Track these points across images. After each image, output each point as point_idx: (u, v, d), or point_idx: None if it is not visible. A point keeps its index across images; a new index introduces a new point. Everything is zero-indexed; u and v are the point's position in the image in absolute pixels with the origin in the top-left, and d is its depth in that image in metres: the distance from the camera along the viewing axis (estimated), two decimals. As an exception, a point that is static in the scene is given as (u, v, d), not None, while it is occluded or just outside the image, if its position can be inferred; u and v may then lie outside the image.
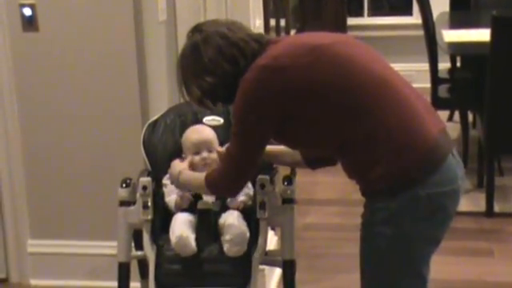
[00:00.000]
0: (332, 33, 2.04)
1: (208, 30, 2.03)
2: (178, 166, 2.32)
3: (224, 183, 2.08)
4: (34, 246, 3.22)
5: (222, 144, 2.47)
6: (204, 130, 2.47)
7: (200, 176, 2.15)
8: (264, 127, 1.95)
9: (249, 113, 1.93)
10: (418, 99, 1.95)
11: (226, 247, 2.22)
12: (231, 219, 2.27)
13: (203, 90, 2.04)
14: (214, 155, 2.38)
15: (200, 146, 2.40)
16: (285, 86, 1.88)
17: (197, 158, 2.40)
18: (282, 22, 5.40)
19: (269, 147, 2.17)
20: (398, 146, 1.87)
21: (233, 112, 2.02)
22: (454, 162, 1.94)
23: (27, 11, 2.97)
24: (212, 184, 2.09)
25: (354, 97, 1.88)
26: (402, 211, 1.88)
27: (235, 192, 2.16)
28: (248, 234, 2.26)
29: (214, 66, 1.99)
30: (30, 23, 2.98)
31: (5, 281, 3.26)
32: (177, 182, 2.28)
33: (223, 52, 1.99)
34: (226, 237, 2.23)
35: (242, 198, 2.34)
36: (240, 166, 2.03)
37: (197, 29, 2.07)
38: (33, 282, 3.24)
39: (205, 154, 2.39)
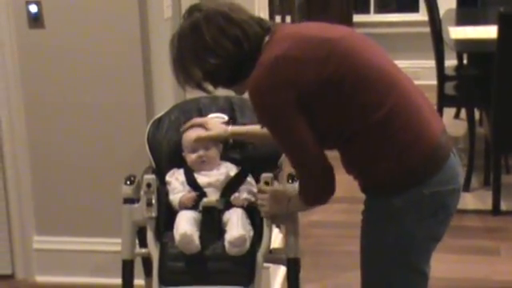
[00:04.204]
0: (333, 25, 1.98)
1: (208, 8, 1.94)
2: (285, 195, 2.21)
3: (310, 184, 1.95)
4: (40, 242, 3.23)
5: (225, 141, 2.46)
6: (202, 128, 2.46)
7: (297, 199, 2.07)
8: (293, 108, 1.84)
9: (272, 97, 1.84)
10: (422, 98, 1.94)
11: (226, 247, 2.22)
12: (233, 219, 2.26)
13: (205, 72, 1.94)
14: (211, 153, 2.38)
15: (197, 144, 2.40)
16: (298, 76, 1.83)
17: (193, 156, 2.40)
18: (288, 18, 5.39)
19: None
20: (404, 143, 1.86)
21: (260, 119, 1.93)
22: (455, 160, 1.93)
23: (33, 8, 2.97)
24: (305, 196, 2.00)
25: (365, 93, 1.85)
26: (406, 209, 1.87)
27: (329, 182, 1.93)
28: (250, 234, 2.25)
29: (217, 46, 1.90)
30: (35, 20, 2.99)
31: (11, 277, 3.27)
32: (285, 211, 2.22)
33: (226, 32, 1.90)
34: (227, 238, 2.22)
35: (246, 195, 2.34)
36: (307, 158, 1.89)
37: (195, 8, 1.97)
38: (38, 278, 3.24)
39: (201, 152, 2.39)
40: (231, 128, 2.42)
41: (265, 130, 1.99)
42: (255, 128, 2.22)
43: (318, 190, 1.97)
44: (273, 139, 1.95)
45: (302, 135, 1.87)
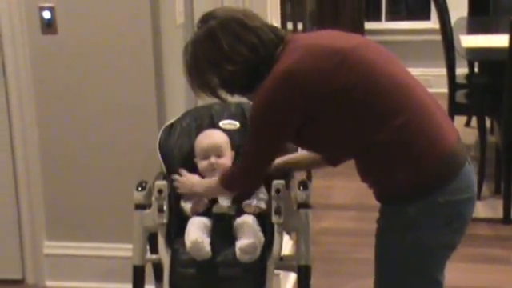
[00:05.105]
0: (348, 33, 2.00)
1: (223, 16, 1.96)
2: (191, 179, 2.36)
3: (240, 179, 2.09)
4: (50, 247, 3.23)
5: (237, 148, 2.47)
6: (213, 135, 2.46)
7: (214, 180, 2.18)
8: (286, 129, 1.92)
9: (272, 115, 1.89)
10: (436, 106, 1.94)
11: (237, 254, 2.22)
12: (244, 226, 2.26)
13: (222, 79, 1.97)
14: (223, 161, 2.39)
15: (208, 152, 2.40)
16: (309, 88, 1.85)
17: (205, 163, 2.40)
18: (299, 26, 5.39)
19: (287, 157, 2.17)
20: (420, 150, 1.86)
21: (252, 114, 1.97)
22: (470, 169, 1.93)
23: (46, 14, 2.98)
24: (227, 179, 2.12)
25: (379, 101, 1.86)
26: (421, 217, 1.87)
27: (249, 188, 2.15)
28: (261, 241, 2.25)
29: (234, 52, 1.92)
30: (49, 26, 3.00)
31: (21, 282, 3.28)
32: (190, 193, 2.32)
33: (242, 38, 1.93)
34: (238, 244, 2.22)
35: (257, 202, 2.34)
36: (261, 167, 2.04)
37: (209, 16, 1.99)
38: (48, 283, 3.25)
39: (213, 160, 2.39)
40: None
41: (310, 153, 2.19)
42: (299, 155, 2.27)
43: (243, 184, 2.14)
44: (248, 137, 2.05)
45: (274, 152, 2.03)
